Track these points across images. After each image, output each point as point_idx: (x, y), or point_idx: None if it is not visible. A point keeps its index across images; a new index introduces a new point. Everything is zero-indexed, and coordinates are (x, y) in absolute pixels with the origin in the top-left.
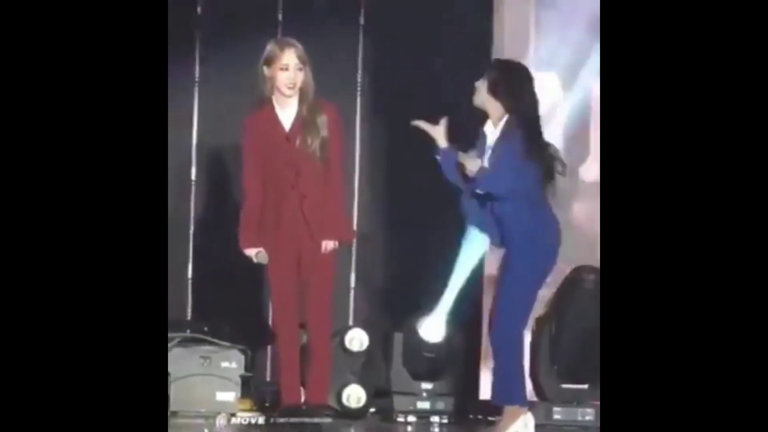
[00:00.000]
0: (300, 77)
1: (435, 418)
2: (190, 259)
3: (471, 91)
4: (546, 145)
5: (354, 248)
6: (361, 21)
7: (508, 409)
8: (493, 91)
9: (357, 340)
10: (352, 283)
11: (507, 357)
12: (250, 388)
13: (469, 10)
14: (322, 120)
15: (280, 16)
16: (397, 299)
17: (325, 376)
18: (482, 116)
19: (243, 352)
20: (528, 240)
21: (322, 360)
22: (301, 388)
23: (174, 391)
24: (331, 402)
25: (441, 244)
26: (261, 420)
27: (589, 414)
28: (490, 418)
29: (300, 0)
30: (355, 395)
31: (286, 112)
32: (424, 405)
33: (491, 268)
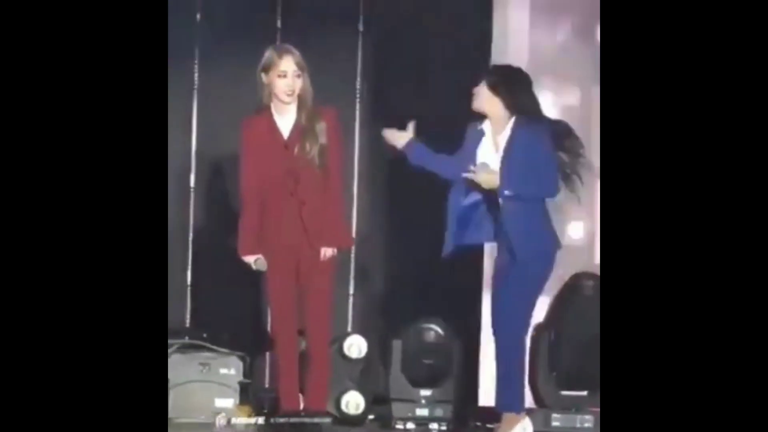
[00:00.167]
0: (298, 84)
1: (434, 425)
2: (189, 266)
3: (469, 96)
4: (565, 133)
5: (353, 255)
6: (360, 27)
7: (507, 416)
8: (495, 90)
9: (356, 346)
10: (351, 290)
11: (505, 363)
12: (249, 394)
13: (468, 16)
14: (321, 127)
15: (279, 23)
16: (396, 306)
17: (324, 383)
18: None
19: (242, 358)
20: (525, 244)
21: (321, 366)
22: (300, 395)
23: (173, 397)
24: (330, 408)
25: (440, 251)
26: (261, 420)
27: (588, 421)
28: (488, 425)
29: (299, 6)
30: (353, 402)
31: (285, 119)
32: (422, 412)
33: (489, 273)
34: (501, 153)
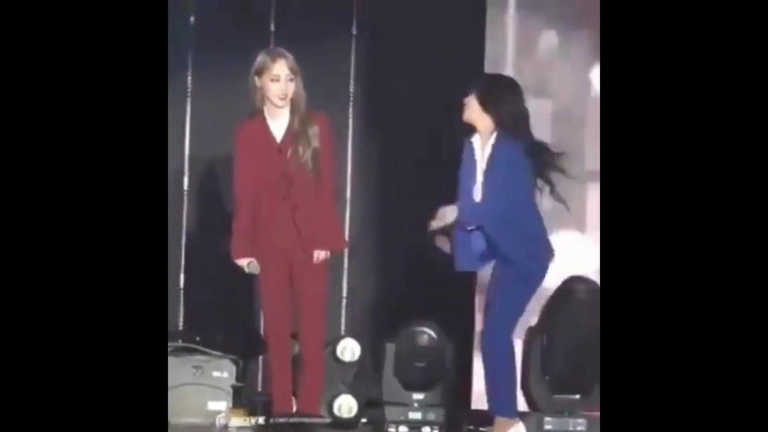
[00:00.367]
0: (291, 88)
1: (426, 429)
2: (183, 269)
3: (460, 106)
4: (541, 150)
5: (346, 258)
6: (354, 31)
7: (499, 420)
8: (484, 105)
9: (349, 350)
10: (344, 293)
11: (498, 368)
12: (242, 397)
13: (462, 20)
14: (314, 131)
15: (272, 27)
16: (389, 309)
17: (317, 386)
18: (472, 130)
19: (235, 362)
20: (517, 253)
21: (314, 370)
22: (293, 398)
23: None
24: (323, 412)
25: (433, 253)
26: (261, 420)
27: (580, 425)
28: (481, 429)
29: (292, 10)
30: (346, 405)
31: (278, 123)
32: (415, 415)
33: (482, 279)
34: (483, 168)
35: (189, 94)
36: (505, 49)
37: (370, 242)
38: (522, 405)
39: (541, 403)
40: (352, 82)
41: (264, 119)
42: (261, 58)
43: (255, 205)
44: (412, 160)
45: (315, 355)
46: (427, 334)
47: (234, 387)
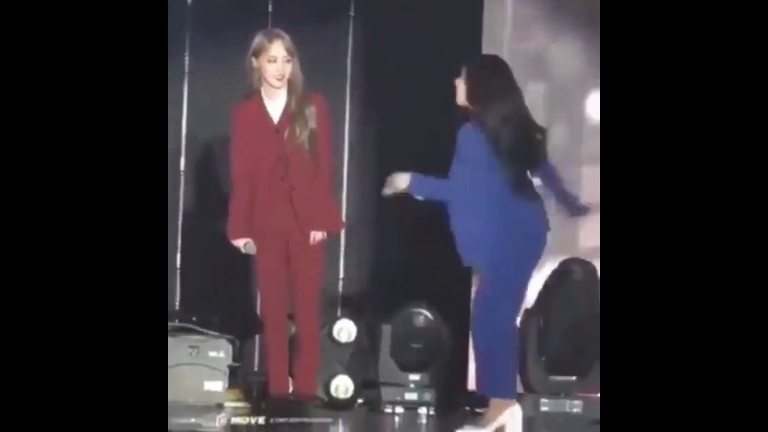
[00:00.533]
0: (288, 69)
1: (422, 410)
2: (179, 250)
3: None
4: (519, 126)
5: (342, 239)
6: (351, 12)
7: (495, 401)
8: (469, 87)
9: (345, 331)
10: (341, 274)
11: (493, 350)
12: (238, 378)
13: (460, 1)
14: (311, 111)
15: (270, 7)
16: (386, 290)
17: (313, 367)
18: (466, 112)
19: (231, 342)
20: (510, 229)
21: (311, 351)
22: (290, 379)
23: None
24: (319, 392)
25: (430, 235)
26: (261, 420)
27: (576, 406)
28: (477, 410)
29: None
30: (342, 386)
31: (275, 104)
32: (411, 396)
33: None
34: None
35: (186, 75)
36: (503, 30)
37: (367, 223)
38: (518, 386)
39: (537, 384)
40: (349, 63)
41: (261, 100)
42: (258, 39)
43: (252, 186)
44: (410, 141)
45: (311, 336)
46: (424, 315)
47: (230, 367)
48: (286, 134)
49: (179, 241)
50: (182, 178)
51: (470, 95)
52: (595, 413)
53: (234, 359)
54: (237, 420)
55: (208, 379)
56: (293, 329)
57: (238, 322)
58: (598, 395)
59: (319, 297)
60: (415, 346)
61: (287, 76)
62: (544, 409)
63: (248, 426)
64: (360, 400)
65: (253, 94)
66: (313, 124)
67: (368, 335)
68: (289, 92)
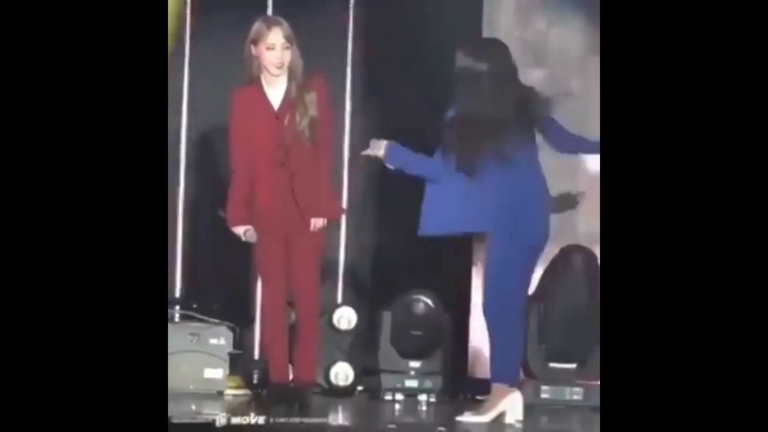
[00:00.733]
0: (287, 56)
1: (422, 397)
2: (180, 237)
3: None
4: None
5: (343, 226)
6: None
7: (496, 388)
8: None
9: (345, 318)
10: (341, 261)
11: (495, 335)
12: (239, 365)
13: None
14: (311, 98)
15: None
16: (386, 277)
17: (313, 354)
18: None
19: (232, 329)
20: (514, 214)
21: (311, 338)
22: (290, 366)
23: None
24: (319, 380)
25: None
26: (261, 420)
27: (577, 393)
28: (478, 397)
29: None
30: (343, 373)
31: (275, 91)
32: (411, 383)
33: (479, 246)
34: None
35: (187, 61)
36: (503, 15)
37: (367, 210)
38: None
39: (538, 371)
40: (350, 48)
41: (261, 87)
42: (256, 26)
43: (252, 172)
44: (411, 125)
45: (311, 323)
46: (424, 302)
47: (231, 355)
48: (286, 121)
49: (179, 228)
50: (183, 166)
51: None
52: (596, 400)
53: (234, 347)
54: (237, 420)
55: (209, 367)
56: (293, 316)
57: (238, 310)
58: (598, 383)
59: (319, 284)
60: (415, 333)
61: (286, 63)
62: (544, 396)
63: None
64: (360, 388)
65: (252, 81)
66: (313, 111)
67: (368, 322)
68: (289, 79)
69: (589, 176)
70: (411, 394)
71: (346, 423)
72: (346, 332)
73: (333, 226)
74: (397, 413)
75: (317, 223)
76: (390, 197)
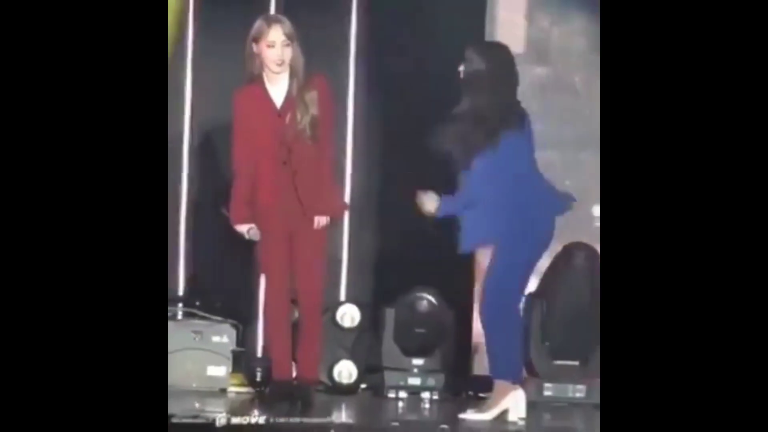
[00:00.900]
0: (288, 53)
1: (426, 394)
2: (183, 234)
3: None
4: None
5: (346, 224)
6: None
7: (498, 386)
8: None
9: (348, 315)
10: (344, 259)
11: (496, 332)
12: (242, 363)
13: None
14: (312, 96)
15: None
16: (389, 275)
17: (317, 352)
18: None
19: (234, 327)
20: (520, 220)
21: (314, 336)
22: (293, 364)
23: None
24: (323, 377)
25: (434, 219)
26: (261, 420)
27: (580, 391)
28: (481, 395)
29: None
30: (346, 371)
31: (277, 89)
32: (415, 381)
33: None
34: None
35: (189, 59)
36: (508, 15)
37: (370, 207)
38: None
39: (541, 369)
40: (353, 45)
41: (263, 85)
42: (257, 24)
43: (254, 170)
44: (414, 125)
45: (315, 321)
46: (427, 299)
47: (234, 352)
48: (288, 119)
49: (182, 226)
50: (185, 163)
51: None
52: (599, 398)
53: (238, 344)
54: (237, 420)
55: (212, 364)
56: (296, 314)
57: (241, 307)
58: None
59: (322, 282)
60: (418, 330)
61: (287, 60)
62: (547, 393)
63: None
64: (363, 385)
65: (254, 79)
66: (314, 109)
67: (372, 320)
68: (291, 77)
69: (590, 174)
70: (414, 392)
71: (350, 421)
72: (350, 330)
73: (336, 223)
74: (400, 411)
75: (320, 221)
76: (393, 194)
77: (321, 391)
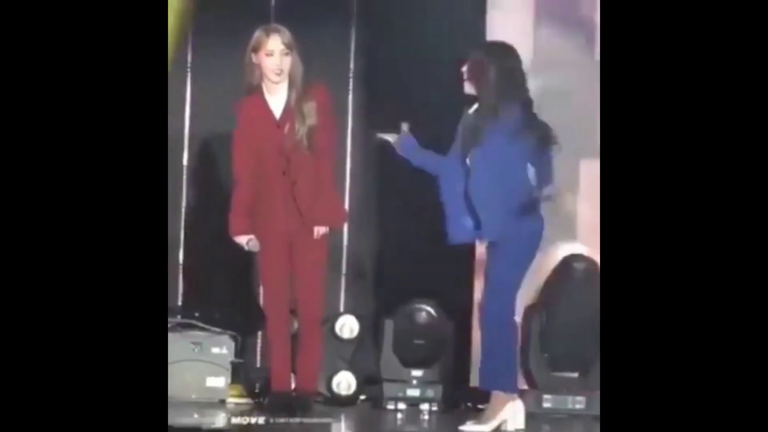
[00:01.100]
0: (286, 63)
1: (425, 406)
2: (182, 245)
3: (461, 77)
4: (538, 122)
5: (345, 234)
6: (354, 6)
7: (497, 397)
8: (471, 74)
9: (348, 326)
10: (343, 270)
11: (494, 342)
12: (241, 374)
13: None
14: (310, 107)
15: (272, 1)
16: (388, 286)
17: (316, 363)
18: (473, 101)
19: (234, 338)
20: (514, 228)
21: (313, 347)
22: (292, 375)
23: None
24: (322, 389)
25: (432, 230)
26: (261, 420)
27: (579, 402)
28: (479, 406)
29: None
30: (345, 382)
31: (276, 99)
32: (414, 392)
33: (481, 255)
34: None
35: (189, 69)
36: (506, 21)
37: (370, 217)
38: (521, 383)
39: (540, 380)
40: (352, 55)
41: (262, 95)
42: (257, 34)
43: (254, 181)
44: (415, 134)
45: (314, 332)
46: (426, 311)
47: (233, 363)
48: (286, 129)
49: (182, 237)
50: (185, 174)
51: (474, 81)
52: (598, 410)
53: (237, 355)
54: (237, 420)
55: (211, 376)
56: (296, 325)
57: (240, 318)
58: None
59: (321, 293)
60: (417, 342)
61: (286, 69)
62: (546, 405)
63: (248, 425)
64: (362, 397)
65: (254, 89)
66: (311, 119)
67: (371, 331)
68: (290, 87)
69: (589, 181)
70: (413, 403)
71: None
72: (349, 341)
73: (335, 233)
74: (399, 422)
75: (320, 231)
76: (393, 205)
77: (320, 402)
